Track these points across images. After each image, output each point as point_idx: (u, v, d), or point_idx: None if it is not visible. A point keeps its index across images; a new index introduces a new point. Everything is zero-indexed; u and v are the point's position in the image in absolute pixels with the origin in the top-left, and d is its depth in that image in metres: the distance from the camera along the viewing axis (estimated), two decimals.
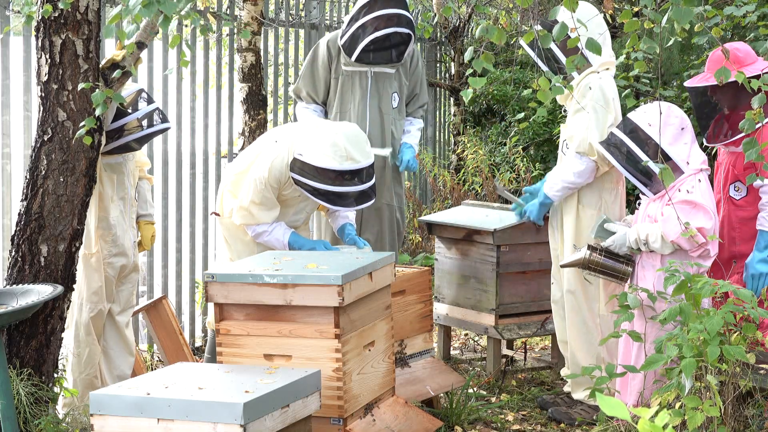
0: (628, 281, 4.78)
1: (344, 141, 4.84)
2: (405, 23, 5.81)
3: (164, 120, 4.93)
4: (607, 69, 5.02)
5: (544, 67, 4.90)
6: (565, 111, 5.24)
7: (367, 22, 5.78)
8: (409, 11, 5.88)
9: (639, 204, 4.88)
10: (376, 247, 5.97)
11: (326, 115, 6.03)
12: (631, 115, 4.73)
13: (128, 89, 4.76)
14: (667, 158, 4.58)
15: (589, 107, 4.88)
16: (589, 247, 4.80)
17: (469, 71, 3.72)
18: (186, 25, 6.08)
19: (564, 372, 5.35)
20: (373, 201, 5.02)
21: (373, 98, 5.97)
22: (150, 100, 4.89)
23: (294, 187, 4.98)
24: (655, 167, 4.49)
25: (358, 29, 5.80)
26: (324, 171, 4.83)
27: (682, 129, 4.69)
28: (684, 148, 4.66)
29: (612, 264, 4.76)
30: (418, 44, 9.04)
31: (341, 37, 5.91)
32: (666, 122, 4.54)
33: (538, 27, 4.81)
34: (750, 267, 4.79)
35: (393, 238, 6.12)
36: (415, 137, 6.15)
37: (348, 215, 5.32)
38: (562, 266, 4.99)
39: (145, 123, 4.82)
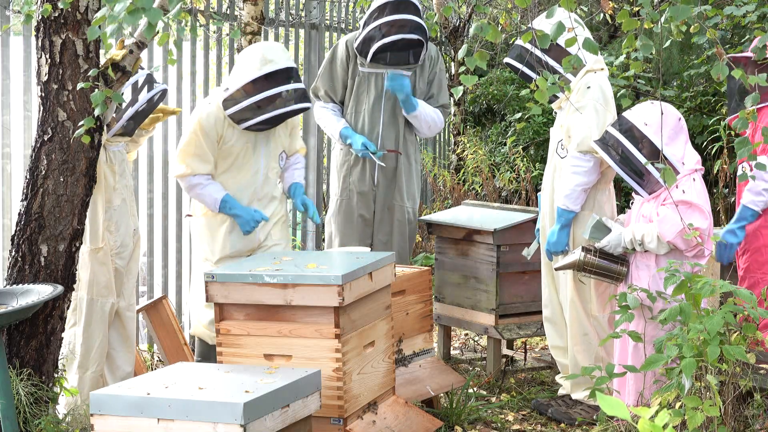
0: (623, 281, 4.78)
1: (260, 49, 5.07)
2: (414, 29, 5.81)
3: (151, 87, 4.88)
4: (602, 69, 5.04)
5: (534, 76, 4.91)
6: (555, 113, 5.25)
7: (377, 27, 5.81)
8: (420, 16, 5.86)
9: (632, 204, 4.89)
10: (386, 248, 5.97)
11: (343, 114, 6.05)
12: (626, 114, 4.73)
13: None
14: (663, 158, 4.57)
15: (590, 106, 4.89)
16: (583, 248, 4.79)
17: (462, 69, 3.72)
18: (182, 25, 6.07)
19: (559, 377, 5.36)
20: (308, 104, 5.14)
21: (387, 100, 5.97)
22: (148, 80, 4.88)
23: (236, 134, 5.12)
24: (652, 168, 4.49)
25: (369, 33, 5.84)
26: (250, 85, 5.02)
27: (678, 129, 4.69)
28: (680, 148, 4.66)
29: (607, 265, 4.76)
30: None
31: (356, 40, 5.94)
32: (662, 122, 4.54)
33: (537, 24, 4.84)
34: (722, 236, 4.93)
35: (403, 239, 6.10)
36: (424, 104, 6.09)
37: (295, 174, 5.36)
38: (557, 269, 4.99)
39: (143, 97, 4.81)
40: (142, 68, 4.86)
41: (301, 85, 5.15)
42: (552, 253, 5.05)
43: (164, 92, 4.93)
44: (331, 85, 6.01)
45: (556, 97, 5.03)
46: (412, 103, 5.87)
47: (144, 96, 4.81)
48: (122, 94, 4.69)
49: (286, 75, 5.09)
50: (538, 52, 4.88)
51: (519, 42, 5.07)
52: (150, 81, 4.84)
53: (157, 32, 3.79)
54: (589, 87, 4.94)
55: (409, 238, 6.15)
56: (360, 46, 5.90)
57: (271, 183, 5.31)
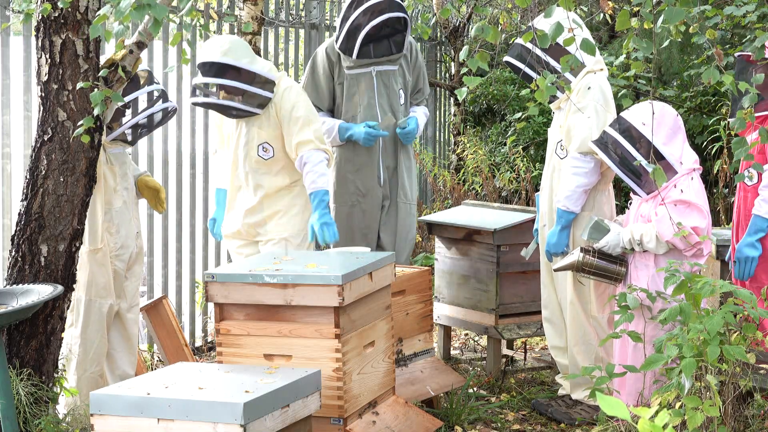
0: (622, 282, 4.78)
1: (206, 44, 5.31)
2: (396, 8, 5.79)
3: (163, 100, 4.92)
4: (602, 69, 5.04)
5: (535, 75, 4.90)
6: (552, 114, 5.25)
7: (359, 17, 5.77)
8: None
9: (630, 204, 4.88)
10: (390, 247, 5.97)
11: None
12: (624, 114, 4.73)
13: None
14: (660, 158, 4.57)
15: (591, 107, 4.89)
16: (582, 249, 4.79)
17: (464, 70, 3.73)
18: (188, 24, 6.07)
19: (558, 377, 5.36)
20: (210, 100, 5.22)
21: (381, 97, 5.95)
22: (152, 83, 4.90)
23: (226, 118, 5.38)
24: (648, 167, 4.49)
25: (352, 26, 5.79)
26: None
27: (676, 128, 4.69)
28: (678, 147, 4.66)
29: (606, 265, 4.75)
30: (419, 44, 9.04)
31: (337, 40, 5.89)
32: (660, 122, 4.54)
33: (537, 23, 4.84)
34: (738, 251, 4.78)
35: (407, 236, 6.09)
36: (419, 116, 6.12)
37: (307, 179, 5.28)
38: (556, 270, 4.99)
39: (151, 105, 4.83)
40: (157, 83, 4.88)
41: (207, 79, 5.19)
42: (552, 255, 5.04)
43: (166, 111, 4.92)
44: (316, 95, 5.94)
45: (556, 98, 5.03)
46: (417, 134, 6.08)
47: (153, 108, 4.83)
48: (129, 105, 4.74)
49: (205, 68, 5.18)
50: (539, 52, 4.88)
51: (519, 41, 5.07)
52: (162, 97, 4.86)
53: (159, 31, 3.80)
54: (589, 88, 4.94)
55: (410, 236, 6.14)
56: (344, 43, 5.85)
57: (254, 172, 5.36)
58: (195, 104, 5.37)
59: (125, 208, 4.86)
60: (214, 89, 5.20)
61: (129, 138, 4.84)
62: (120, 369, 4.90)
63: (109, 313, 4.81)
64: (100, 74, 4.20)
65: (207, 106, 5.29)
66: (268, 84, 5.22)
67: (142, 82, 4.82)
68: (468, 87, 3.65)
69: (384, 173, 5.98)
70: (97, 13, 3.84)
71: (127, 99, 4.71)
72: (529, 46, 4.92)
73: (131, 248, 4.89)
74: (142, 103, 4.84)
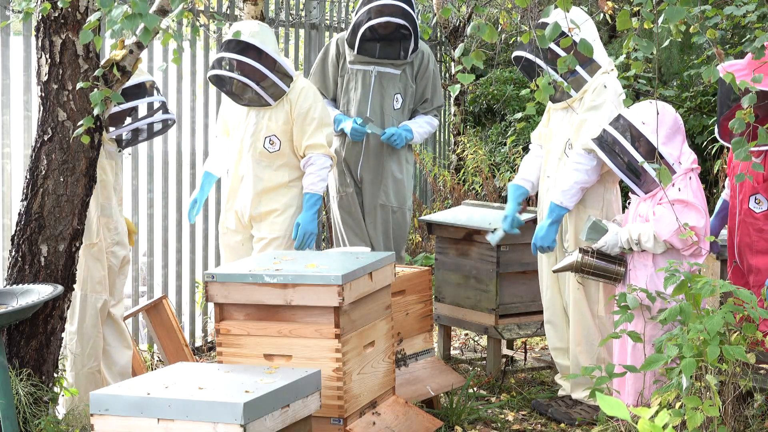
0: (622, 282, 4.77)
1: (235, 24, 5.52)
2: (400, 14, 5.83)
3: (163, 111, 4.94)
4: (612, 70, 5.05)
5: (551, 71, 4.88)
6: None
7: (363, 13, 5.86)
8: (409, 5, 5.88)
9: (629, 204, 4.88)
10: (386, 248, 6.00)
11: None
12: (624, 113, 4.72)
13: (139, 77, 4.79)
14: (659, 157, 4.57)
15: (606, 106, 4.90)
16: (581, 250, 4.79)
17: (458, 68, 3.73)
18: (186, 24, 6.07)
19: (558, 378, 5.35)
20: (229, 74, 5.31)
21: (375, 97, 5.99)
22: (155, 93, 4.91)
23: (232, 112, 5.47)
24: (649, 168, 4.48)
25: (356, 21, 5.90)
26: None
27: (676, 128, 4.69)
28: (676, 147, 4.66)
29: (605, 265, 4.75)
30: None
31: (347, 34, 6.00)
32: (659, 121, 4.53)
33: (540, 21, 4.84)
34: None
35: (389, 237, 6.12)
36: (417, 123, 6.10)
37: (306, 181, 5.39)
38: (555, 271, 4.98)
39: (152, 115, 4.85)
40: (158, 90, 4.90)
41: (229, 54, 5.27)
42: (538, 248, 5.02)
43: (165, 122, 4.93)
44: (323, 82, 6.08)
45: (570, 96, 4.99)
46: (409, 137, 6.02)
47: (154, 117, 4.85)
48: (134, 110, 4.76)
49: (230, 45, 5.28)
50: (558, 50, 4.86)
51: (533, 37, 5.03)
52: (162, 108, 4.89)
53: (157, 33, 3.80)
54: (605, 86, 4.95)
55: (399, 238, 6.15)
56: (349, 36, 5.96)
57: (257, 164, 5.41)
58: (212, 77, 5.37)
59: (118, 206, 4.87)
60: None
61: (125, 140, 4.84)
62: (118, 365, 4.90)
63: (103, 308, 4.81)
64: (96, 73, 4.20)
65: (224, 80, 5.31)
66: (287, 78, 5.33)
67: (146, 87, 4.84)
68: (462, 84, 3.65)
69: (364, 172, 6.03)
70: (88, 19, 3.84)
71: (128, 104, 4.73)
72: (554, 47, 4.90)
73: (126, 245, 4.90)
74: (142, 112, 4.87)
